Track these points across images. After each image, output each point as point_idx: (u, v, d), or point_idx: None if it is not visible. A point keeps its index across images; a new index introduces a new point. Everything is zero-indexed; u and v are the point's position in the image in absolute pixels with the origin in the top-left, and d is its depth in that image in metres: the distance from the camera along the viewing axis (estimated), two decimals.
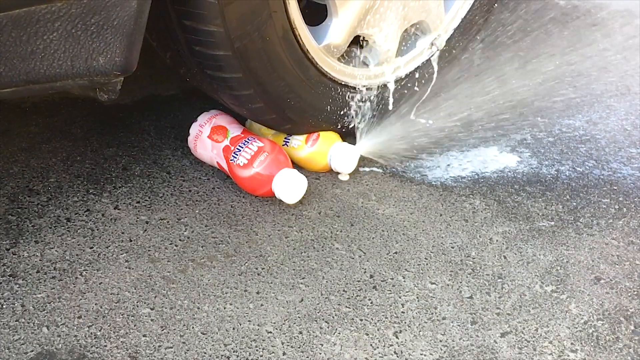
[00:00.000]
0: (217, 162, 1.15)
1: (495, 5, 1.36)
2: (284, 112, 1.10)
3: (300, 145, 1.19)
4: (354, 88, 1.17)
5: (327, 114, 1.16)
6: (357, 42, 1.18)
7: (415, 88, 1.28)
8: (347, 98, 1.17)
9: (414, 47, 1.26)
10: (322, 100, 1.14)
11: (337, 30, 1.10)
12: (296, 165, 1.18)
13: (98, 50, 0.79)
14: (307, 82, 1.08)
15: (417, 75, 1.26)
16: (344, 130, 1.22)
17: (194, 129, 1.17)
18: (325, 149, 1.18)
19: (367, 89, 1.19)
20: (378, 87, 1.21)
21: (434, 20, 1.25)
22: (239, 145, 1.11)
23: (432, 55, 1.27)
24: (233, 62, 0.97)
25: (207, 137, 1.15)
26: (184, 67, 1.07)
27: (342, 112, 1.18)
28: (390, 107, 1.24)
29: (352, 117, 1.20)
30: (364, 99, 1.19)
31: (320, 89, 1.12)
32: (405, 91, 1.26)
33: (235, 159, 1.10)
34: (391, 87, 1.22)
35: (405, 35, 1.24)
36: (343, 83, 1.15)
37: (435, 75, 1.29)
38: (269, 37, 0.98)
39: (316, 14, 1.12)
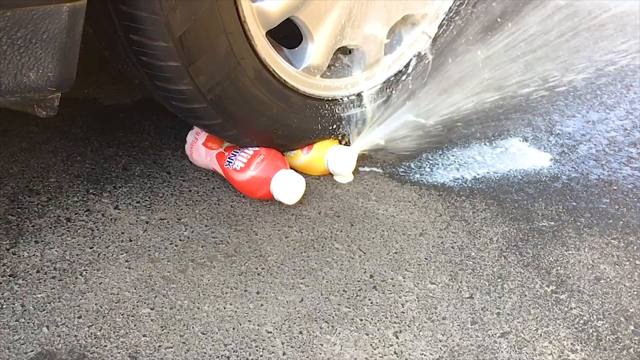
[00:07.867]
0: (213, 168, 1.15)
1: None
2: (273, 141, 1.10)
3: (297, 154, 1.18)
4: (343, 99, 1.15)
5: (318, 132, 1.15)
6: (343, 50, 1.15)
7: (410, 84, 1.24)
8: (337, 111, 1.15)
9: (402, 42, 1.22)
10: (311, 121, 1.12)
11: (315, 53, 1.08)
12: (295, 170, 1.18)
13: (28, 65, 0.75)
14: (290, 110, 1.07)
15: (410, 70, 1.23)
16: (340, 140, 1.21)
17: (190, 137, 1.18)
18: (321, 154, 1.18)
19: (357, 95, 1.17)
20: (369, 90, 1.18)
21: (421, 9, 1.19)
22: (234, 151, 1.11)
23: (424, 46, 1.23)
24: (210, 111, 0.98)
25: (202, 145, 1.15)
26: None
27: (334, 126, 1.17)
28: (385, 107, 1.23)
29: (346, 127, 1.19)
30: (355, 106, 1.17)
31: (307, 112, 1.10)
32: (400, 86, 1.23)
33: (230, 164, 1.10)
34: (384, 88, 1.20)
35: (393, 31, 1.20)
36: (330, 98, 1.13)
37: (429, 67, 1.24)
38: (241, 82, 0.98)
39: (293, 32, 1.08)
